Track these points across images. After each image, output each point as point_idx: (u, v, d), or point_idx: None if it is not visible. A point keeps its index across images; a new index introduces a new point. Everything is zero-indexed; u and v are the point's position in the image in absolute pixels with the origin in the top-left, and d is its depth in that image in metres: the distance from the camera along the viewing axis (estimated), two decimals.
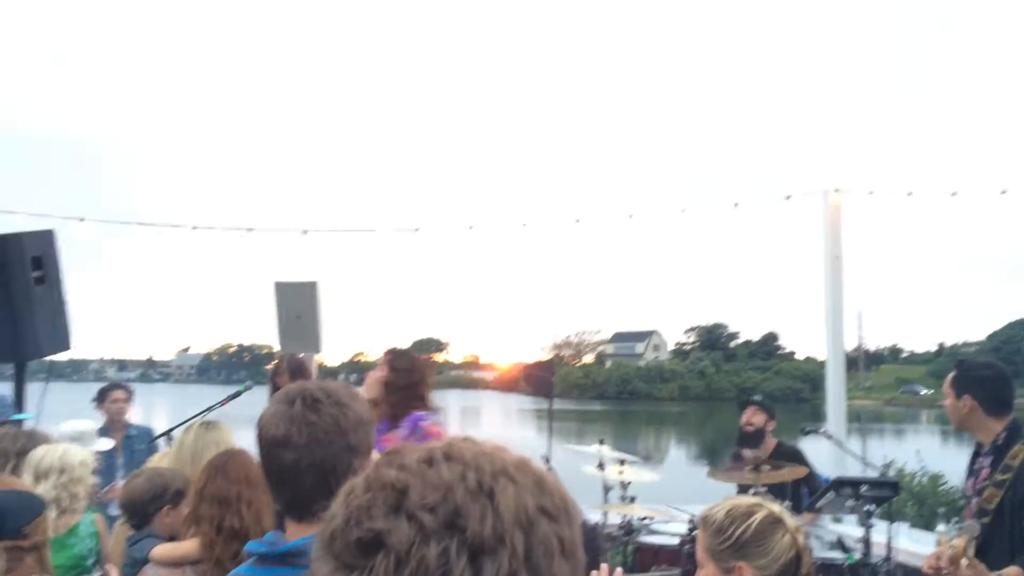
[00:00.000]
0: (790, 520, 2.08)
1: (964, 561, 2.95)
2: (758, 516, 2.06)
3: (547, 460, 6.07)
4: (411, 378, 4.28)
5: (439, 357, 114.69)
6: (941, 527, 3.32)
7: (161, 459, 3.99)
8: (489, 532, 0.68)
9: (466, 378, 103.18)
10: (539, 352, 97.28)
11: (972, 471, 3.42)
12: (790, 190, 8.87)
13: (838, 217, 8.63)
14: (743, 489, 5.24)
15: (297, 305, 7.00)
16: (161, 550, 2.83)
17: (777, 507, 2.11)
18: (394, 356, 4.32)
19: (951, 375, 3.47)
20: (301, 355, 5.84)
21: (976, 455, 3.42)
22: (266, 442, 1.55)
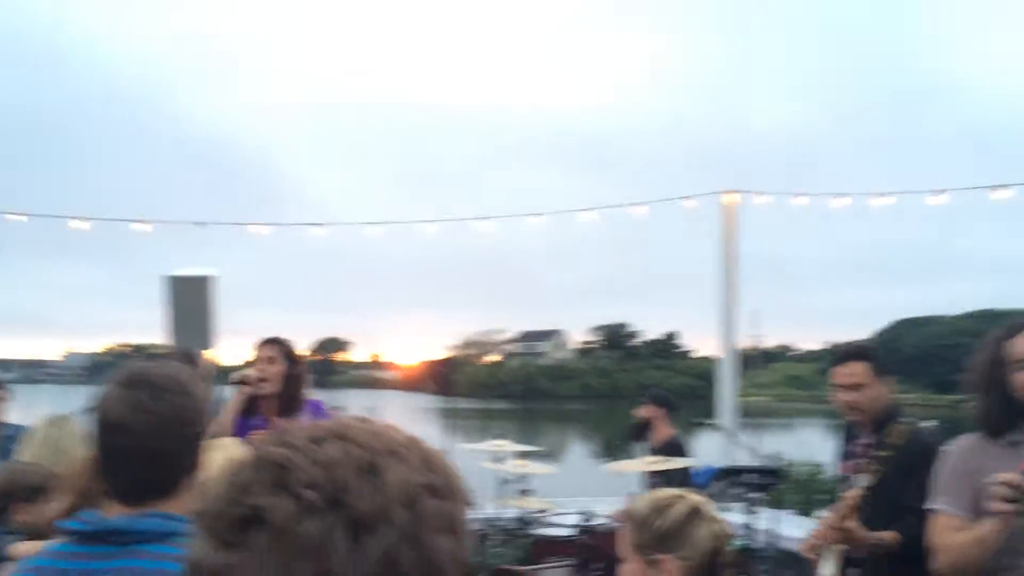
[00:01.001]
0: (712, 510, 2.11)
1: (850, 522, 3.10)
2: (679, 507, 2.07)
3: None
4: (302, 368, 4.33)
5: (341, 357, 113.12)
6: (822, 513, 3.47)
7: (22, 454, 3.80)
8: (372, 509, 0.68)
9: (369, 377, 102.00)
10: (443, 351, 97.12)
11: (849, 453, 3.51)
12: (688, 191, 9.13)
13: (732, 218, 8.94)
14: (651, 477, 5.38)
15: (190, 300, 6.78)
16: (25, 548, 2.71)
17: (700, 498, 2.14)
18: (286, 346, 4.31)
19: (859, 362, 3.38)
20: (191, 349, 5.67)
21: (851, 437, 3.52)
22: (103, 425, 1.51)
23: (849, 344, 3.56)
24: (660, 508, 2.09)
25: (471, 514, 0.79)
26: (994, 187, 7.62)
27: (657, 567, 2.04)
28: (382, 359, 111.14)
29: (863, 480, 3.16)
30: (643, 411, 5.77)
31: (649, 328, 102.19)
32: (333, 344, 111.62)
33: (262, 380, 4.19)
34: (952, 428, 3.24)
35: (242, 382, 4.22)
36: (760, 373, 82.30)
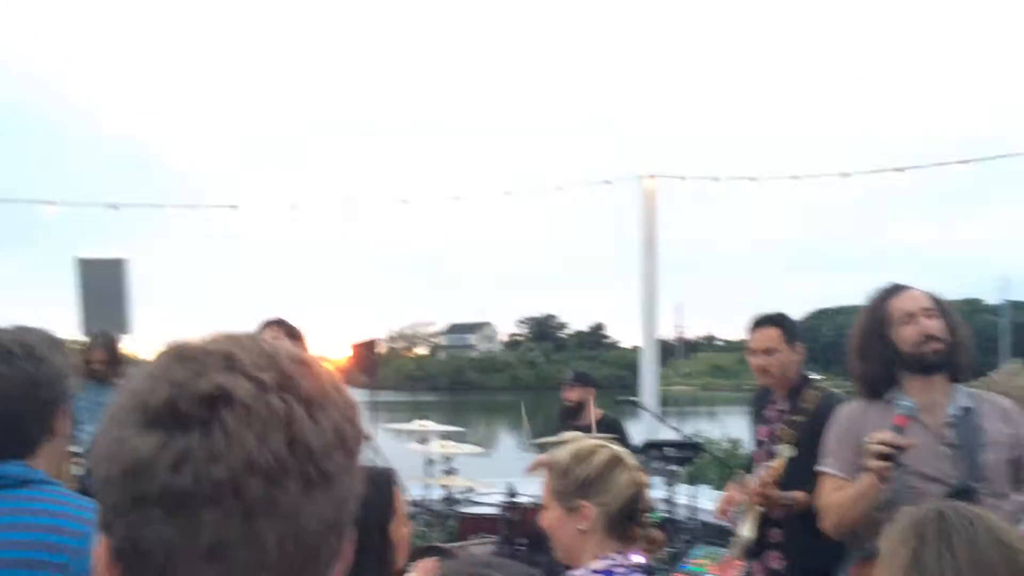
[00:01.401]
0: (630, 459, 2.16)
1: (771, 488, 3.21)
2: (600, 455, 2.12)
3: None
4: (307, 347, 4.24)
5: None
6: (749, 476, 3.57)
7: None
8: (318, 391, 0.73)
9: None
10: (377, 338, 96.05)
11: (764, 418, 3.63)
12: (608, 175, 9.22)
13: (653, 203, 9.08)
14: None
15: (103, 284, 6.58)
16: None
17: (619, 448, 2.19)
18: (289, 327, 4.11)
19: (773, 328, 3.52)
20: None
21: (766, 403, 3.63)
22: None
23: (763, 313, 3.67)
24: (581, 456, 2.13)
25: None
26: (897, 169, 7.91)
27: (577, 513, 2.08)
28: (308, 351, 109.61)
29: (787, 451, 3.27)
30: (574, 394, 5.79)
31: (576, 320, 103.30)
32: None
33: None
34: None
35: None
36: (684, 363, 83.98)
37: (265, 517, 0.68)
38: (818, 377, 3.59)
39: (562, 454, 2.17)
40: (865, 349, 2.67)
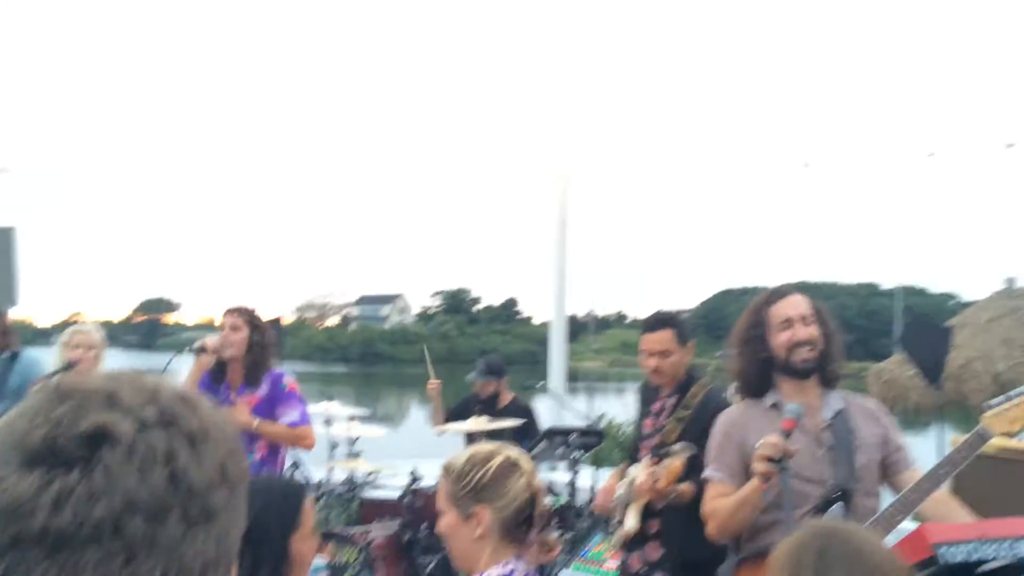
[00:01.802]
0: (527, 463, 2.16)
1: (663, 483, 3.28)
2: (496, 460, 2.10)
3: None
4: (268, 337, 4.35)
5: (170, 319, 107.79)
6: (633, 468, 3.64)
7: None
8: (200, 427, 0.74)
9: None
10: (281, 315, 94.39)
11: (650, 412, 3.71)
12: (526, 158, 9.24)
13: (566, 186, 9.13)
14: (471, 439, 5.44)
15: None
16: None
17: (515, 452, 2.18)
18: (250, 314, 4.35)
19: (667, 331, 3.55)
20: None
21: (654, 398, 3.72)
22: None
23: (656, 313, 3.72)
24: (477, 462, 2.12)
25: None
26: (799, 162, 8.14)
27: (473, 519, 2.07)
28: (215, 322, 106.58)
29: (686, 450, 3.35)
30: (488, 388, 5.68)
31: (490, 294, 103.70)
32: (160, 304, 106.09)
33: (225, 347, 4.21)
34: None
35: (201, 349, 4.22)
36: (594, 339, 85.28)
37: (146, 556, 0.68)
38: (704, 377, 3.66)
39: (458, 458, 2.16)
40: (743, 350, 2.76)
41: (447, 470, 2.16)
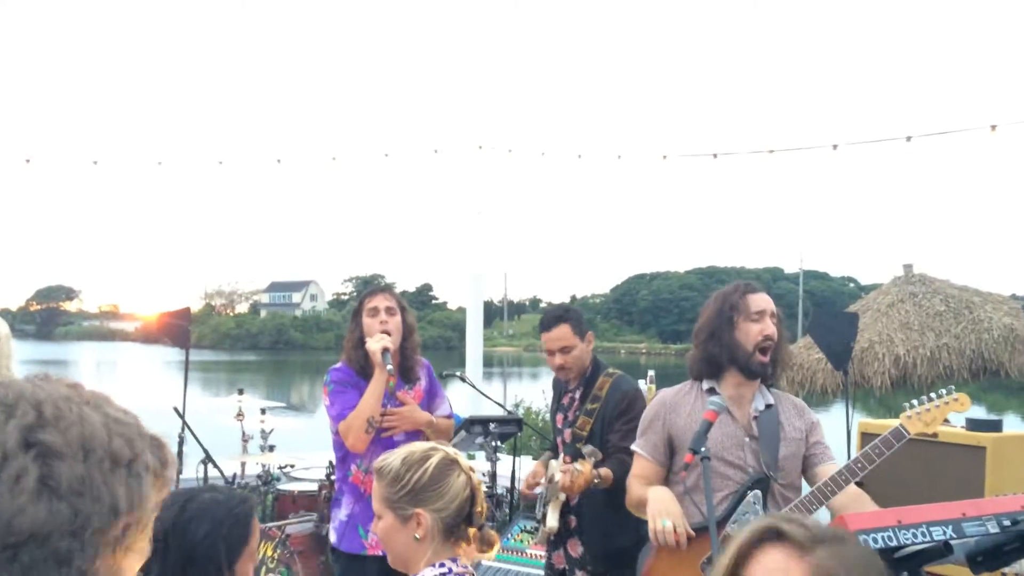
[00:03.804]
0: (464, 461, 2.10)
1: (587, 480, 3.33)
2: (433, 460, 2.05)
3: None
4: (412, 319, 3.72)
5: (69, 306, 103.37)
6: (553, 462, 3.65)
7: None
8: (63, 443, 0.71)
9: (103, 329, 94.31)
10: (189, 301, 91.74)
11: (560, 406, 3.74)
12: (439, 144, 9.16)
13: (481, 172, 9.09)
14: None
15: None
16: None
17: (451, 450, 2.12)
18: (396, 295, 3.68)
19: (563, 326, 3.53)
20: None
21: (563, 392, 3.75)
22: None
23: (550, 310, 3.75)
24: (413, 463, 2.05)
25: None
26: (713, 155, 8.32)
27: (411, 521, 2.02)
28: (120, 310, 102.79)
29: (592, 454, 3.41)
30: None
31: (404, 279, 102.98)
32: (59, 292, 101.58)
33: (387, 334, 3.48)
34: (675, 376, 3.54)
35: (385, 352, 3.41)
36: (508, 324, 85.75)
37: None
38: (610, 369, 3.70)
39: (392, 461, 2.08)
40: (714, 332, 2.79)
41: (381, 472, 2.08)
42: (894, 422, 2.66)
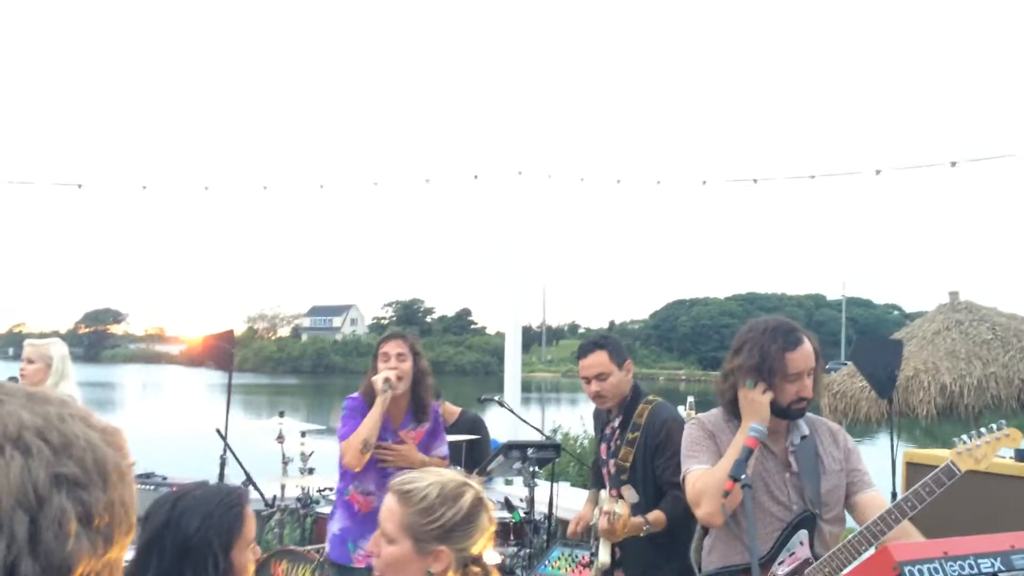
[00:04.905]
0: (486, 496, 2.02)
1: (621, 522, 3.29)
2: (468, 498, 1.95)
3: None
4: (426, 364, 4.01)
5: (116, 329, 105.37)
6: (603, 493, 3.63)
7: None
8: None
9: (148, 352, 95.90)
10: (233, 325, 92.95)
11: (604, 436, 3.72)
12: (479, 170, 9.23)
13: (521, 198, 9.14)
14: None
15: None
16: None
17: (478, 486, 2.03)
18: (412, 341, 3.97)
19: (599, 353, 3.53)
20: None
21: (606, 422, 3.72)
22: None
23: (588, 338, 3.75)
24: (448, 498, 1.94)
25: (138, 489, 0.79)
26: (753, 180, 8.27)
27: (432, 556, 1.91)
28: (165, 333, 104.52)
29: (630, 497, 3.38)
30: None
31: (443, 304, 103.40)
32: (106, 315, 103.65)
33: (399, 379, 3.83)
34: (715, 403, 3.50)
35: (386, 382, 3.78)
36: (547, 349, 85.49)
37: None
38: (651, 396, 3.66)
39: (426, 489, 1.95)
40: (743, 379, 2.68)
41: (409, 497, 1.95)
42: (940, 452, 2.61)
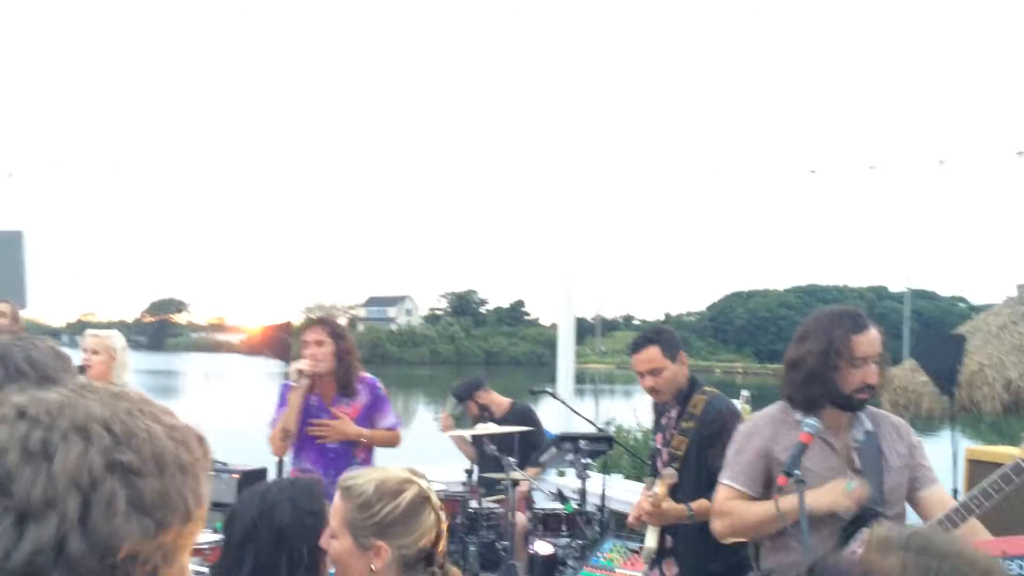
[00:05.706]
0: (435, 496, 2.03)
1: (665, 504, 3.32)
2: (408, 495, 1.97)
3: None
4: (352, 344, 4.31)
5: (180, 318, 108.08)
6: (646, 482, 3.65)
7: None
8: (39, 496, 0.69)
9: (210, 341, 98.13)
10: (291, 315, 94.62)
11: (660, 426, 3.72)
12: (536, 161, 9.21)
13: (573, 187, 9.10)
14: (477, 440, 5.43)
15: None
16: None
17: (426, 483, 2.06)
18: (332, 325, 4.32)
19: (652, 347, 3.53)
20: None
21: (662, 413, 3.72)
22: None
23: (641, 333, 3.74)
24: (386, 493, 1.96)
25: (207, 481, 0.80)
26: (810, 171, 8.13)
27: (371, 552, 1.93)
28: (226, 322, 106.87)
29: (669, 477, 3.38)
30: (472, 410, 5.71)
31: (497, 295, 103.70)
32: (170, 305, 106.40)
33: (315, 363, 4.13)
34: (771, 396, 3.45)
35: (300, 375, 4.12)
36: (601, 340, 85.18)
37: None
38: (708, 388, 3.64)
39: (364, 484, 1.99)
40: (814, 373, 2.61)
41: (348, 492, 1.99)
42: (1005, 449, 2.54)
